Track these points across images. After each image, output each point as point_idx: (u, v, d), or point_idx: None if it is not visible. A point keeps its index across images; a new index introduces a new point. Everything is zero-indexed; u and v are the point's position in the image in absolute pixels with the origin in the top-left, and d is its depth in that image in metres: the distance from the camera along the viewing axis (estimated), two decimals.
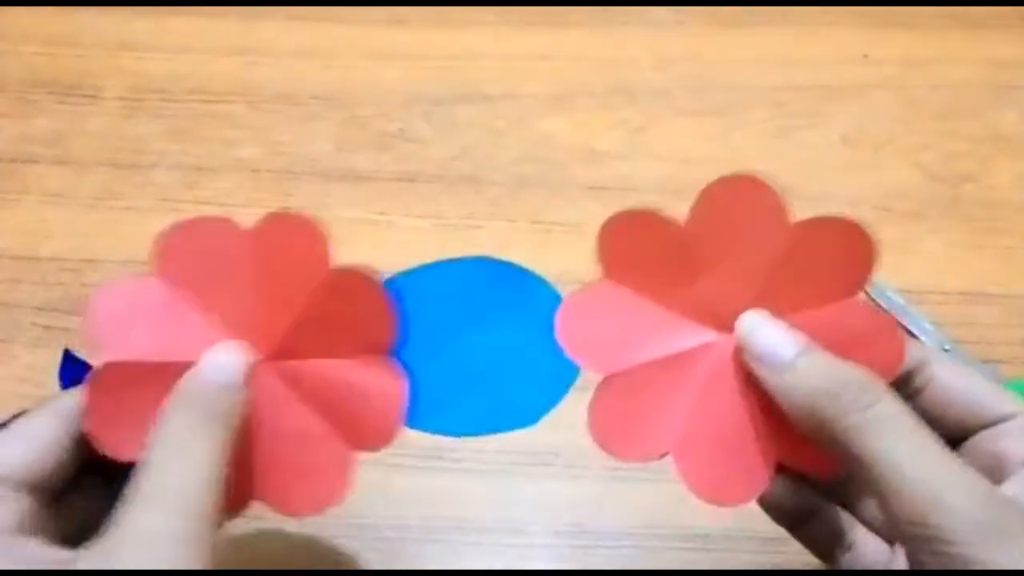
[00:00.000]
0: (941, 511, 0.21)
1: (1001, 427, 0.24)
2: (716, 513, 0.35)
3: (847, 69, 0.52)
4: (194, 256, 0.27)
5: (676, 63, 0.52)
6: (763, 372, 0.24)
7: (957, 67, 0.52)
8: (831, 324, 0.25)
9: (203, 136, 0.49)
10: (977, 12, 0.54)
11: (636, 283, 0.26)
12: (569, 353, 0.26)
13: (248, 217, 0.45)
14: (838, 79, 0.51)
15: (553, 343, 0.39)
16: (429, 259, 0.43)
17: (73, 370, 0.37)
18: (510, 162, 0.47)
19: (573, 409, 0.38)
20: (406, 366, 0.36)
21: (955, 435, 0.25)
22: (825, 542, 0.27)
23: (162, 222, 0.44)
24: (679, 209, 0.45)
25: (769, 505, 0.27)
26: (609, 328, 0.26)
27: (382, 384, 0.26)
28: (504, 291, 0.41)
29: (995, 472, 0.23)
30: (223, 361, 0.25)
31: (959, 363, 0.26)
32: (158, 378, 0.24)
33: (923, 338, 0.40)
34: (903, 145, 0.48)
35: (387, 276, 0.39)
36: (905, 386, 0.25)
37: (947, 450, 0.22)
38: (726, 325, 0.25)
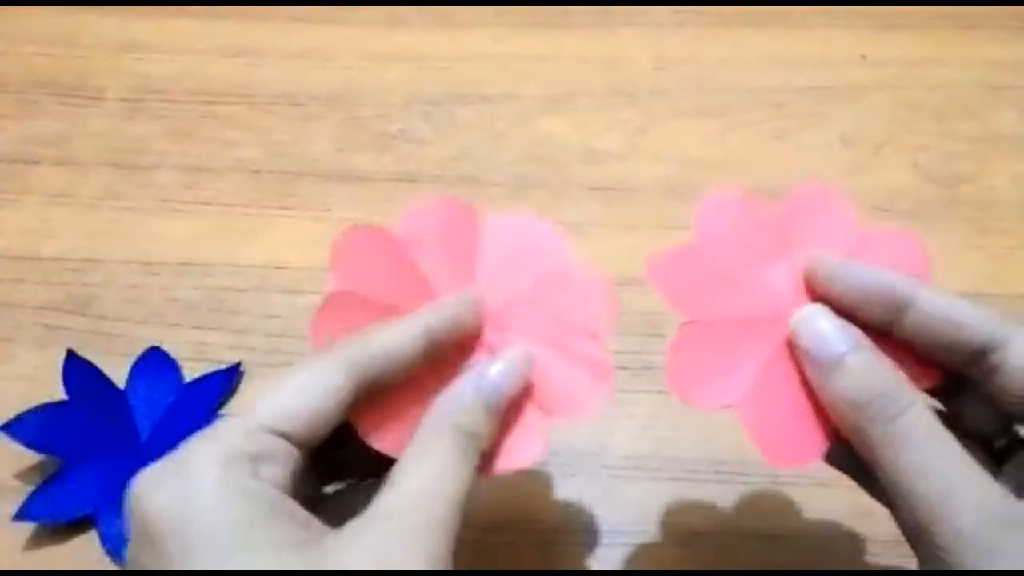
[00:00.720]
0: (942, 526, 0.21)
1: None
2: (715, 513, 0.36)
3: (846, 70, 0.52)
4: (436, 232, 0.28)
5: (676, 64, 0.52)
6: (809, 368, 0.25)
7: (955, 68, 0.52)
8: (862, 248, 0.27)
9: (204, 137, 0.49)
10: (975, 13, 0.54)
11: (727, 252, 0.28)
12: (660, 291, 0.27)
13: (249, 217, 0.45)
14: (837, 80, 0.51)
15: None
16: None
17: (76, 370, 0.38)
18: (510, 162, 0.48)
19: None
20: None
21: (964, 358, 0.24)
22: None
23: (163, 222, 0.45)
24: (679, 209, 0.46)
25: (828, 461, 0.27)
26: (700, 279, 0.27)
27: (591, 359, 0.27)
28: None
29: None
30: (497, 378, 0.25)
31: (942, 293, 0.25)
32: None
33: None
34: (901, 146, 0.48)
35: None
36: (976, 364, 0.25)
37: (962, 459, 0.22)
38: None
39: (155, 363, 0.39)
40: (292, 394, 0.23)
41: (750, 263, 0.27)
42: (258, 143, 0.48)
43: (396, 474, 0.23)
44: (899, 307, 0.25)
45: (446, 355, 0.26)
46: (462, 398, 0.25)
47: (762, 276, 0.27)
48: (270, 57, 0.53)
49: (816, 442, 0.25)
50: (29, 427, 0.35)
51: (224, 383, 0.38)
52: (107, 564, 0.34)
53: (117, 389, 0.38)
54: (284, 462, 0.22)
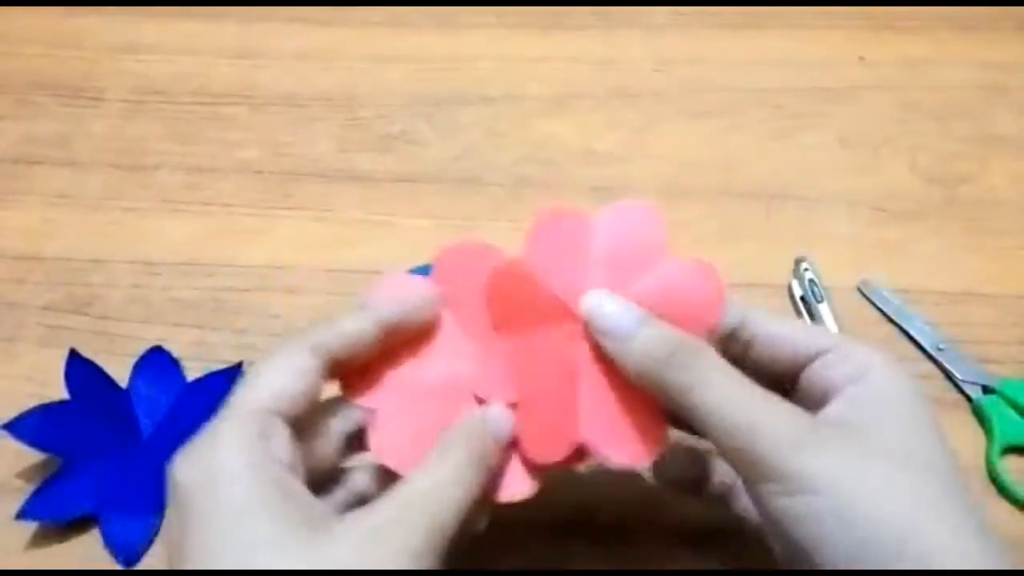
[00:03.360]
0: (759, 438, 0.24)
1: (823, 359, 0.27)
2: (715, 513, 0.36)
3: (845, 71, 0.52)
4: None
5: (675, 65, 0.52)
6: (607, 344, 0.27)
7: (953, 69, 0.52)
8: (658, 289, 0.28)
9: (205, 137, 0.49)
10: (973, 14, 0.54)
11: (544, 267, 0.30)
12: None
13: (250, 217, 0.45)
14: (836, 81, 0.51)
15: None
16: (429, 259, 0.44)
17: (78, 370, 0.38)
18: (511, 163, 0.48)
19: None
20: None
21: (790, 375, 0.28)
22: (722, 497, 0.31)
23: (165, 223, 0.45)
24: (679, 209, 0.46)
25: (670, 479, 0.31)
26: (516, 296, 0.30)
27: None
28: None
29: (825, 398, 0.26)
30: (499, 415, 0.28)
31: (772, 314, 0.29)
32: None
33: (919, 338, 0.40)
34: (900, 146, 0.48)
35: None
36: (734, 344, 0.28)
37: (760, 390, 0.25)
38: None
39: (157, 363, 0.39)
40: (276, 376, 0.25)
41: (562, 279, 0.29)
42: (260, 144, 0.49)
43: (413, 472, 0.25)
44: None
45: (401, 339, 0.28)
46: (476, 425, 0.27)
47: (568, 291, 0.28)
48: (272, 58, 0.53)
49: (656, 436, 0.27)
50: (31, 426, 0.36)
51: (226, 383, 0.39)
52: (109, 563, 0.34)
53: (119, 389, 0.38)
54: (283, 440, 0.24)
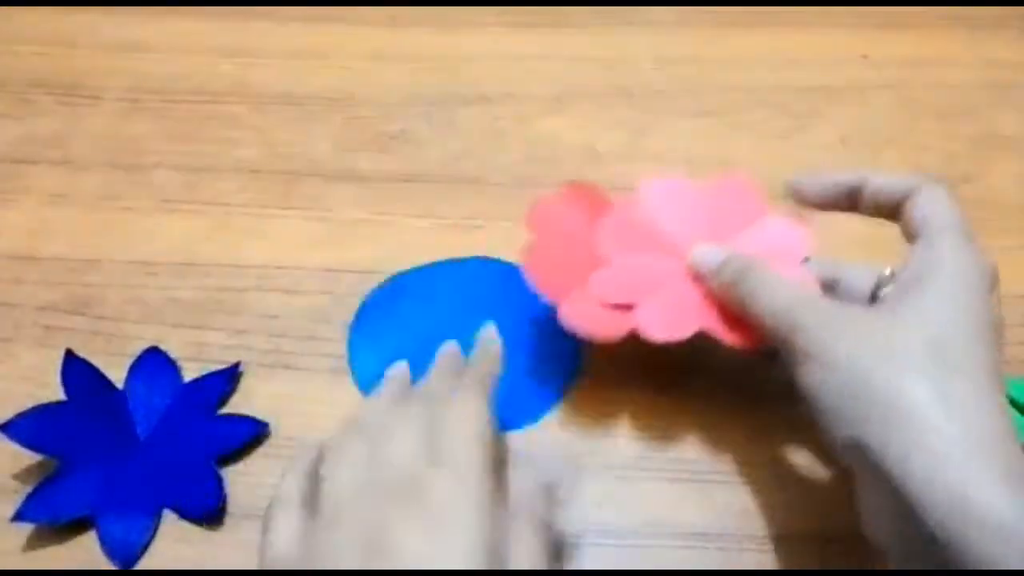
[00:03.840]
0: (796, 319, 0.30)
1: (913, 199, 0.32)
2: (715, 513, 0.36)
3: (847, 70, 0.52)
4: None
5: (676, 64, 0.52)
6: (706, 278, 0.35)
7: (956, 68, 0.52)
8: (760, 237, 0.38)
9: (203, 137, 0.49)
10: (976, 13, 0.54)
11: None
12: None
13: (248, 217, 0.45)
14: (838, 80, 0.51)
15: (552, 344, 0.39)
16: (430, 259, 0.44)
17: (75, 371, 0.38)
18: (510, 162, 0.47)
19: (572, 408, 0.39)
20: (411, 365, 0.37)
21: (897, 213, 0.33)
22: None
23: (162, 222, 0.45)
24: None
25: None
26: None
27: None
28: (503, 291, 0.41)
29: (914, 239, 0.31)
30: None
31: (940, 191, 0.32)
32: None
33: None
34: (903, 146, 0.48)
35: (389, 275, 0.40)
36: (899, 214, 0.33)
37: (800, 289, 0.31)
38: None
39: (154, 364, 0.39)
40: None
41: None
42: (258, 143, 0.48)
43: None
44: (853, 196, 0.34)
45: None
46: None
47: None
48: (270, 57, 0.53)
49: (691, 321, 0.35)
50: (27, 428, 0.35)
51: (223, 383, 0.38)
52: (106, 565, 0.34)
53: (116, 389, 0.38)
54: None
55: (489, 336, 0.36)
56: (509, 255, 0.43)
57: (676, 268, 0.37)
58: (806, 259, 0.38)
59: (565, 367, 0.40)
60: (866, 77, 0.51)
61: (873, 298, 0.34)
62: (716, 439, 0.37)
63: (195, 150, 0.48)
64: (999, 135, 0.49)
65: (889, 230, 0.44)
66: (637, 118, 0.50)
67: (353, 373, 0.39)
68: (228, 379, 0.38)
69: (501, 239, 0.44)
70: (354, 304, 0.42)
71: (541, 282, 0.37)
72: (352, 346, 0.40)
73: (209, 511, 0.35)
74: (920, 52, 0.52)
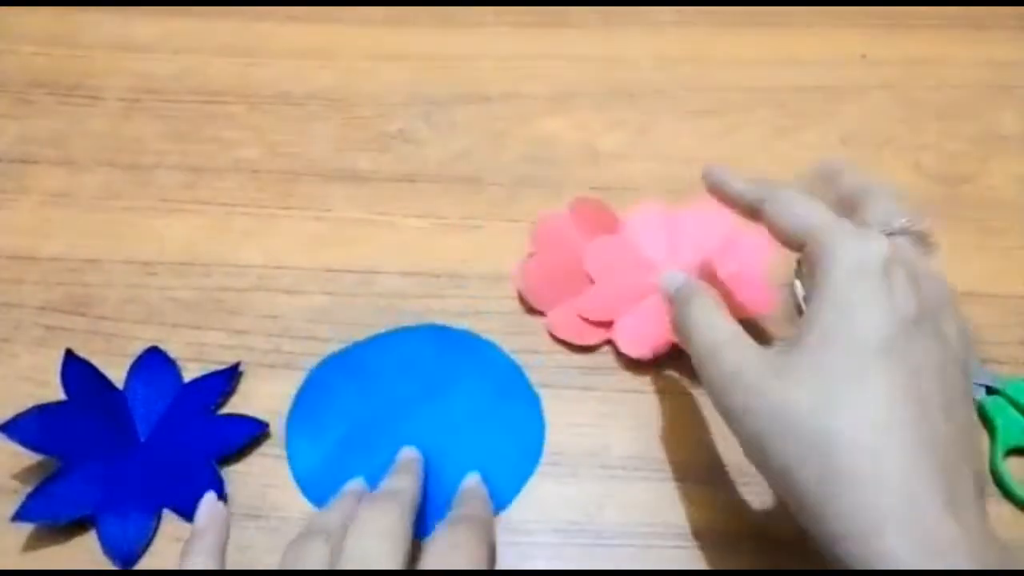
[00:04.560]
0: (720, 364, 0.30)
1: (805, 252, 0.30)
2: (716, 512, 0.36)
3: (847, 70, 0.52)
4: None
5: (676, 63, 0.52)
6: (664, 304, 0.35)
7: (956, 68, 0.52)
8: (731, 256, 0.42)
9: (203, 136, 0.49)
10: (976, 13, 0.54)
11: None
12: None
13: (248, 217, 0.45)
14: (838, 80, 0.51)
15: (513, 425, 0.38)
16: (429, 259, 0.44)
17: (75, 370, 0.38)
18: (510, 162, 0.47)
19: (575, 408, 0.39)
20: (364, 447, 0.37)
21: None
22: None
23: (162, 222, 0.45)
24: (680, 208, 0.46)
25: None
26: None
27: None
28: (458, 361, 0.40)
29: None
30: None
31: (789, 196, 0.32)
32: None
33: None
34: (903, 146, 0.48)
35: (334, 352, 0.40)
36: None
37: (730, 326, 0.31)
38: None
39: (154, 363, 0.39)
40: None
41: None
42: (257, 143, 0.48)
43: None
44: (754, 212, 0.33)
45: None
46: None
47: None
48: (269, 57, 0.53)
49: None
50: (27, 428, 0.35)
51: (222, 383, 0.38)
52: (106, 565, 0.34)
53: (116, 389, 0.38)
54: None
55: (408, 457, 0.35)
56: (509, 255, 0.43)
57: (651, 286, 0.40)
58: (789, 283, 0.41)
59: (528, 451, 0.37)
60: (866, 77, 0.51)
61: None
62: (716, 439, 0.37)
63: (195, 150, 0.48)
64: (999, 135, 0.49)
65: None
66: (637, 118, 0.49)
67: (290, 465, 0.37)
68: (228, 379, 0.38)
69: (500, 239, 0.44)
70: (354, 304, 0.42)
71: (531, 294, 0.41)
72: (289, 435, 0.37)
73: None
74: (920, 52, 0.52)
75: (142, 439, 0.37)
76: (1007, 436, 0.37)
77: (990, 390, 0.38)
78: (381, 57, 0.52)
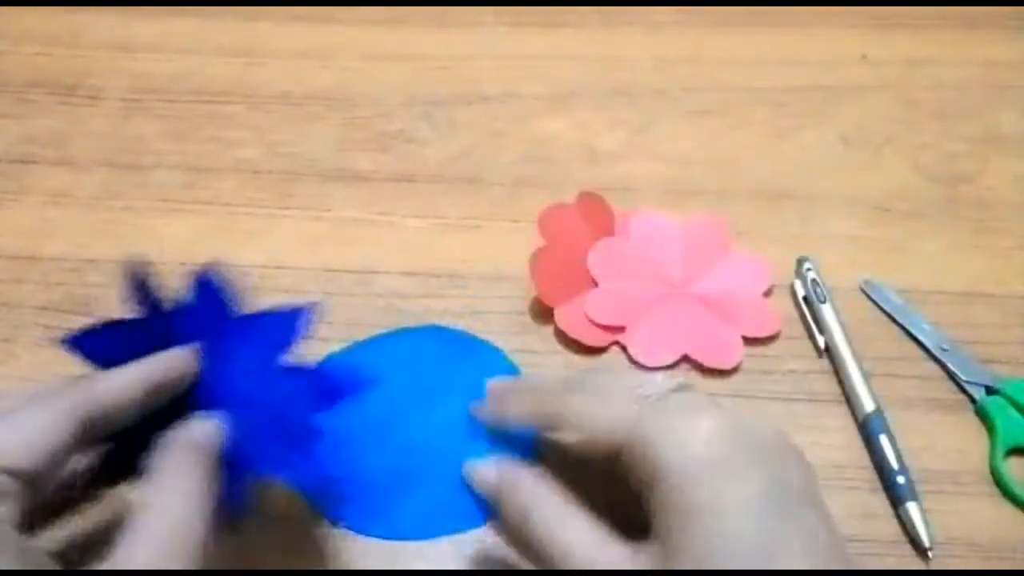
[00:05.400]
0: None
1: (622, 459, 0.27)
2: None
3: (847, 70, 0.52)
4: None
5: (676, 63, 0.52)
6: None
7: (956, 68, 0.52)
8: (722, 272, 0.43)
9: (203, 136, 0.49)
10: (975, 13, 0.54)
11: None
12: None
13: (248, 217, 0.45)
14: (838, 80, 0.51)
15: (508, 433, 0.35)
16: (429, 259, 0.43)
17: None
18: (510, 162, 0.47)
19: None
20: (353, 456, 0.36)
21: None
22: None
23: (162, 222, 0.45)
24: (680, 209, 0.46)
25: None
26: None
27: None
28: (458, 362, 0.39)
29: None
30: (207, 425, 0.29)
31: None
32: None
33: (922, 338, 0.40)
34: (902, 145, 0.48)
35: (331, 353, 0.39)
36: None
37: (577, 524, 0.27)
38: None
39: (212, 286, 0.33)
40: (19, 434, 0.25)
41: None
42: (258, 143, 0.48)
43: (133, 514, 0.25)
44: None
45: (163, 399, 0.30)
46: (181, 434, 0.28)
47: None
48: (269, 57, 0.53)
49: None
50: (95, 342, 0.31)
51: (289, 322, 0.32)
52: None
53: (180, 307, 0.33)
54: (14, 499, 0.24)
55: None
56: (509, 255, 0.43)
57: (659, 295, 0.41)
58: (790, 283, 0.42)
59: (526, 452, 0.34)
60: (866, 77, 0.51)
61: None
62: None
63: (195, 150, 0.48)
64: (998, 135, 0.49)
65: (885, 231, 0.45)
66: (636, 118, 0.49)
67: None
68: (297, 319, 0.32)
69: (500, 239, 0.44)
70: (354, 304, 0.41)
71: (542, 288, 0.40)
72: None
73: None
74: (920, 52, 0.52)
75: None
76: (1007, 436, 0.37)
77: (990, 390, 0.38)
78: (381, 57, 0.52)
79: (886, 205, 0.46)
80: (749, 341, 0.40)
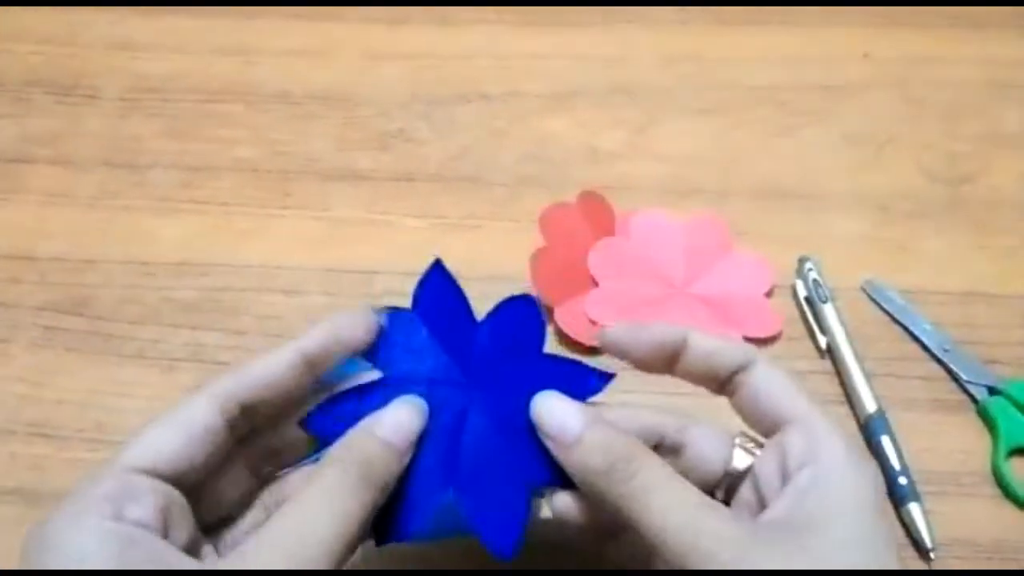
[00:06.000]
0: (696, 557, 0.23)
1: (785, 430, 0.26)
2: None
3: (849, 68, 0.51)
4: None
5: (678, 62, 0.52)
6: (552, 447, 0.26)
7: (958, 66, 0.51)
8: (724, 272, 0.43)
9: (201, 135, 0.48)
10: (978, 12, 0.54)
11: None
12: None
13: (247, 216, 0.45)
14: (840, 78, 0.51)
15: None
16: (429, 258, 0.43)
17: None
18: (511, 162, 0.47)
19: None
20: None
21: (769, 430, 0.27)
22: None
23: (160, 222, 0.45)
24: (682, 207, 0.46)
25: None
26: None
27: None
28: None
29: (784, 474, 0.26)
30: (401, 422, 0.26)
31: (778, 368, 0.28)
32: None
33: (924, 339, 0.40)
34: (905, 145, 0.48)
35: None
36: (727, 384, 0.28)
37: (699, 496, 0.25)
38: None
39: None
40: (161, 433, 0.25)
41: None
42: (256, 142, 0.48)
43: (286, 505, 0.24)
44: (674, 355, 0.28)
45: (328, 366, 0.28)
46: (360, 443, 0.26)
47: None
48: (268, 56, 0.52)
49: None
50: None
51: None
52: None
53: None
54: (153, 500, 0.24)
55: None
56: (509, 255, 0.42)
57: (659, 295, 0.41)
58: (791, 284, 0.42)
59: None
60: (868, 76, 0.51)
61: (728, 492, 0.28)
62: None
63: (193, 149, 0.48)
64: (1001, 134, 0.49)
65: (887, 231, 0.44)
66: (638, 117, 0.49)
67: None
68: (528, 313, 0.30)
69: (501, 239, 0.44)
70: (353, 304, 0.41)
71: (542, 288, 0.40)
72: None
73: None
74: (922, 51, 0.52)
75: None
76: (1009, 436, 0.37)
77: (992, 390, 0.38)
78: (381, 56, 0.52)
79: (888, 205, 0.45)
80: (750, 341, 0.40)
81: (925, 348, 0.40)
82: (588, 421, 0.26)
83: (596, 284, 0.41)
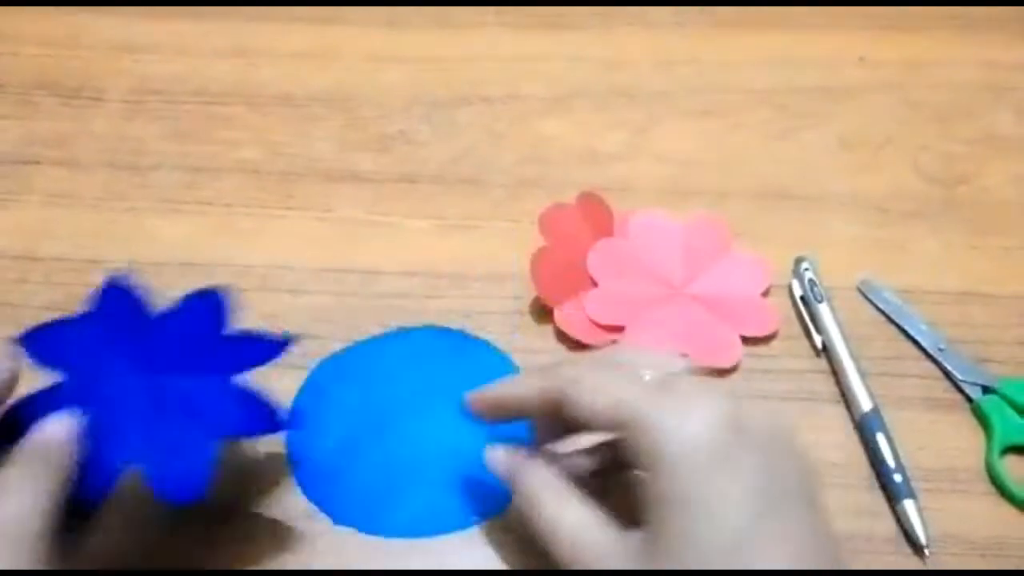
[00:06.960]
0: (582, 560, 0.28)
1: (624, 441, 0.28)
2: None
3: (846, 71, 0.52)
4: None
5: (676, 64, 0.52)
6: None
7: (955, 69, 0.52)
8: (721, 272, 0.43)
9: (204, 137, 0.49)
10: (974, 14, 0.54)
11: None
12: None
13: (250, 218, 0.45)
14: (837, 81, 0.51)
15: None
16: (430, 259, 0.44)
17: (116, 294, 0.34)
18: (511, 163, 0.48)
19: None
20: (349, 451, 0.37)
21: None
22: None
23: (164, 223, 0.45)
24: (680, 209, 0.46)
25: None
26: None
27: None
28: (458, 362, 0.40)
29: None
30: (61, 422, 0.30)
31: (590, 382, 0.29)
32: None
33: (919, 338, 0.40)
34: (901, 146, 0.48)
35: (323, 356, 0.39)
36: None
37: (576, 503, 0.29)
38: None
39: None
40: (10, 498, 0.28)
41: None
42: (258, 144, 0.49)
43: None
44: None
45: None
46: (41, 447, 0.29)
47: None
48: (270, 57, 0.53)
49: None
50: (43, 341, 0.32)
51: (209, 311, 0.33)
52: None
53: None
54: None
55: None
56: (510, 256, 0.43)
57: (657, 295, 0.42)
58: (788, 283, 0.42)
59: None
60: (865, 78, 0.51)
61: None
62: None
63: (196, 151, 0.48)
64: (998, 136, 0.49)
65: (883, 232, 0.45)
66: (636, 119, 0.50)
67: (290, 463, 0.36)
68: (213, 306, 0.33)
69: (500, 239, 0.44)
70: (354, 305, 0.42)
71: (542, 288, 0.41)
72: (289, 434, 0.37)
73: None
74: (919, 53, 0.53)
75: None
76: (1004, 435, 0.37)
77: (987, 389, 0.39)
78: (382, 58, 0.53)
79: (885, 206, 0.46)
80: (748, 341, 0.40)
81: (920, 347, 0.40)
82: (511, 461, 0.31)
83: (595, 284, 0.42)
